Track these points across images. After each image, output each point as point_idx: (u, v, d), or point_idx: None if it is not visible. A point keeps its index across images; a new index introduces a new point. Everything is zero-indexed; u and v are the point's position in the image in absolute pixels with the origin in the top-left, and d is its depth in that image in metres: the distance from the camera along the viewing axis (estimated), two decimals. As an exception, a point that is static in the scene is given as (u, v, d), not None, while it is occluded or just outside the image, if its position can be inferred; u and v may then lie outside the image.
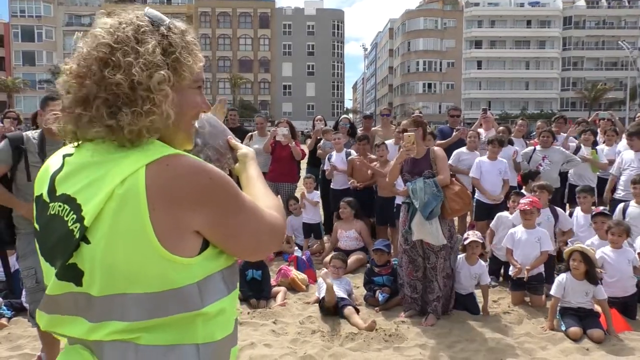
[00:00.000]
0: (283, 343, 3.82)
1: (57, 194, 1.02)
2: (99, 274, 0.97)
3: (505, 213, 5.53)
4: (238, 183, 1.34)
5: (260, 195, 1.24)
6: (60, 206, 1.00)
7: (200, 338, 1.01)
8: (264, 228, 1.11)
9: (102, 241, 0.96)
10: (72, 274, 0.99)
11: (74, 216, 0.97)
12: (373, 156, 6.67)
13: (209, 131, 1.37)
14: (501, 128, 7.09)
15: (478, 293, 4.71)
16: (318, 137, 7.66)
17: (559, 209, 5.56)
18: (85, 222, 0.96)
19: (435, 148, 4.63)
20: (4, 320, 4.19)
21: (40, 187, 1.08)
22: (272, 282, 5.11)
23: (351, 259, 5.76)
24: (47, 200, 1.04)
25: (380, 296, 4.64)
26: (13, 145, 3.01)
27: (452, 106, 8.96)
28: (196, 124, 1.33)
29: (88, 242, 0.97)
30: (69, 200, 0.99)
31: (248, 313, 4.44)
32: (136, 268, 0.95)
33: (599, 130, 8.21)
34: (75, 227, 0.97)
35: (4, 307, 4.34)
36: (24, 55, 59.48)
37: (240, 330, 4.09)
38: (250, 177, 1.32)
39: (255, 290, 4.81)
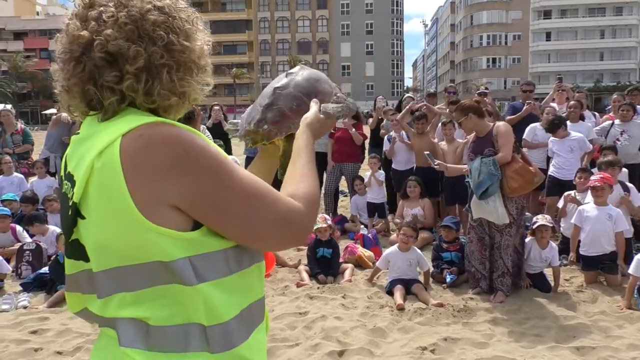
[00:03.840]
0: (353, 316, 3.96)
1: (66, 172, 1.04)
2: (92, 249, 0.98)
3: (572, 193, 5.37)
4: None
5: (293, 176, 1.12)
6: (66, 184, 1.03)
7: (204, 318, 0.96)
8: (266, 215, 0.99)
9: (92, 216, 0.96)
10: (77, 251, 1.01)
11: (72, 192, 0.98)
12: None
13: (287, 93, 1.34)
14: (573, 102, 6.80)
15: (547, 271, 4.63)
16: (380, 117, 7.68)
17: (630, 184, 5.32)
18: (74, 198, 0.96)
19: (500, 124, 4.53)
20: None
21: (62, 169, 1.10)
22: (340, 259, 5.26)
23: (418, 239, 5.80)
24: (63, 179, 1.07)
25: (447, 277, 4.67)
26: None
27: (524, 81, 8.65)
28: (279, 83, 1.36)
29: (83, 218, 0.97)
30: (69, 176, 1.01)
31: (318, 288, 4.62)
32: (125, 241, 0.93)
33: None
34: (72, 203, 0.98)
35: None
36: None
37: (311, 303, 4.29)
38: (295, 150, 1.19)
39: (324, 267, 4.99)
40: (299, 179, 1.10)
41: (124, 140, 0.92)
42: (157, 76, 0.98)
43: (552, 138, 6.16)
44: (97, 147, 0.94)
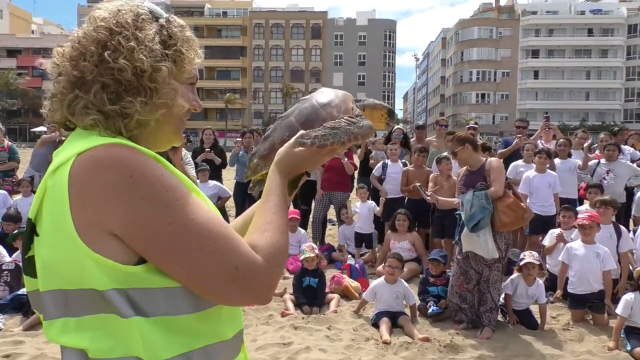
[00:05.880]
0: (337, 349, 3.88)
1: None
2: (40, 268, 0.95)
3: (558, 231, 5.40)
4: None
5: (258, 222, 1.02)
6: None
7: (142, 353, 0.90)
8: (216, 263, 0.90)
9: (42, 234, 0.94)
10: (32, 268, 0.98)
11: None
12: (428, 168, 6.67)
13: (285, 123, 1.25)
14: (561, 140, 6.92)
15: (534, 308, 4.60)
16: (368, 148, 7.73)
17: (622, 227, 5.34)
18: (29, 214, 0.95)
19: (492, 159, 4.59)
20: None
21: None
22: (326, 289, 5.19)
23: (405, 270, 5.75)
24: None
25: (430, 309, 4.63)
26: None
27: (519, 117, 8.83)
28: (285, 112, 1.29)
29: (37, 235, 0.95)
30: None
31: (303, 318, 4.54)
32: (65, 263, 0.90)
33: None
34: (28, 219, 0.97)
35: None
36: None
37: (295, 334, 4.20)
38: (264, 193, 1.09)
39: (310, 297, 4.92)
40: (264, 226, 1.00)
41: (77, 160, 0.89)
42: (88, 93, 0.94)
43: (529, 173, 6.18)
44: (53, 164, 0.92)
